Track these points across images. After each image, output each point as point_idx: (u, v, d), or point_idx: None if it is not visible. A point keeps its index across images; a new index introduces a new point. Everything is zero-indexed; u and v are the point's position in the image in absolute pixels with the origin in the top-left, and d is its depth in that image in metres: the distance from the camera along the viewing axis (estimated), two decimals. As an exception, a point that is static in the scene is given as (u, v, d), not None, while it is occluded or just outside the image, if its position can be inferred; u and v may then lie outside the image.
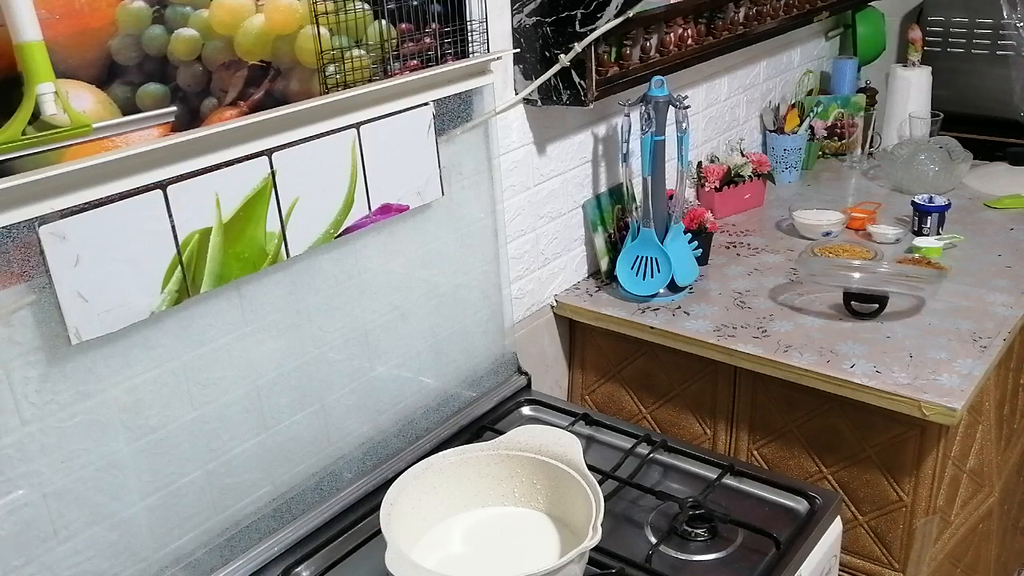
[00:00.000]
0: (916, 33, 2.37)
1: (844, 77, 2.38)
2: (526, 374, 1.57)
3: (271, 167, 1.08)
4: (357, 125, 1.17)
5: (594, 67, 1.45)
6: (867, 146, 2.40)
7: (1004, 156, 2.24)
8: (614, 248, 1.75)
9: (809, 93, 2.42)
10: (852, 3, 2.29)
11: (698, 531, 1.18)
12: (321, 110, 1.11)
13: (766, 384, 1.52)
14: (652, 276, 1.64)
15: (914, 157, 2.10)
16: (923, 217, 1.85)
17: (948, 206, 1.85)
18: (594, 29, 1.41)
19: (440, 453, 1.16)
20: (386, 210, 1.25)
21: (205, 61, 0.99)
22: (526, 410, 1.50)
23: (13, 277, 0.89)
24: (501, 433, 1.20)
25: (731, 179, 2.02)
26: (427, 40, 1.24)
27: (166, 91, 0.96)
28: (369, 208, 1.22)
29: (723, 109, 2.13)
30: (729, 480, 1.28)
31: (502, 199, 1.49)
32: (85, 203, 0.91)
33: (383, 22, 1.17)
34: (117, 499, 1.02)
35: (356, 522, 1.24)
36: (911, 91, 2.34)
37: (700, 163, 2.06)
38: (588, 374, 1.75)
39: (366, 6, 1.14)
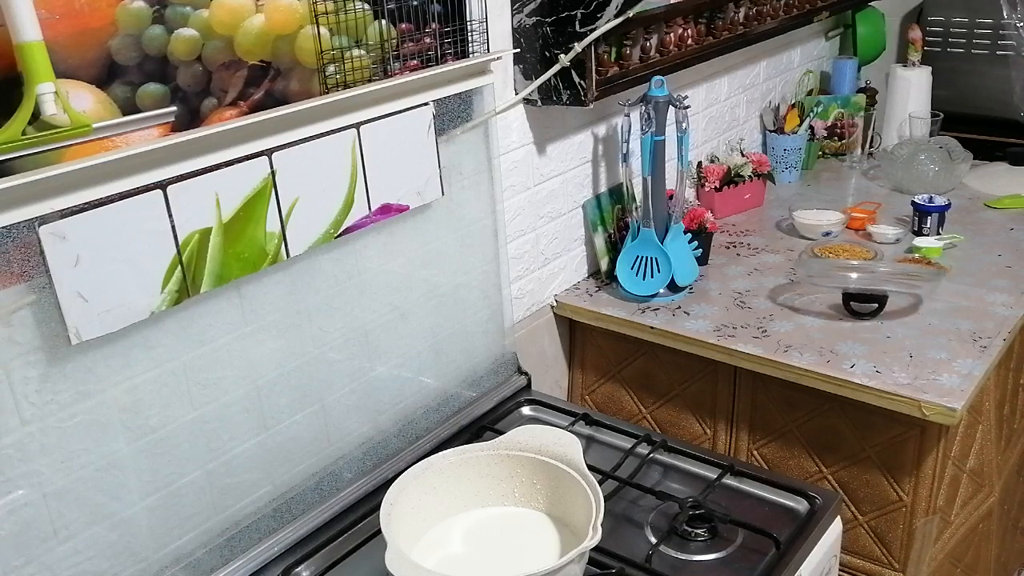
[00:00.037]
0: (916, 33, 2.37)
1: (844, 77, 2.38)
2: (526, 374, 1.57)
3: (271, 167, 1.08)
4: (357, 125, 1.17)
5: (594, 67, 1.45)
6: (867, 146, 2.40)
7: (1004, 156, 2.24)
8: (614, 248, 1.75)
9: (809, 93, 2.42)
10: (852, 3, 2.29)
11: (698, 531, 1.18)
12: (321, 110, 1.11)
13: (766, 384, 1.52)
14: (652, 276, 1.64)
15: (914, 157, 2.10)
16: (923, 217, 1.85)
17: (948, 206, 1.85)
18: (594, 29, 1.41)
19: (440, 453, 1.16)
20: (386, 210, 1.25)
21: (205, 61, 0.99)
22: (526, 410, 1.50)
23: (13, 277, 0.89)
24: (501, 433, 1.20)
25: (731, 179, 2.02)
26: (427, 40, 1.24)
27: (166, 91, 0.96)
28: (369, 208, 1.22)
29: (723, 109, 2.13)
30: (729, 480, 1.28)
31: (502, 199, 1.49)
32: (85, 203, 0.91)
33: (383, 22, 1.17)
34: (117, 499, 1.02)
35: (356, 522, 1.24)
36: (911, 91, 2.34)
37: (700, 163, 2.06)
38: (588, 374, 1.75)
39: (366, 6, 1.14)
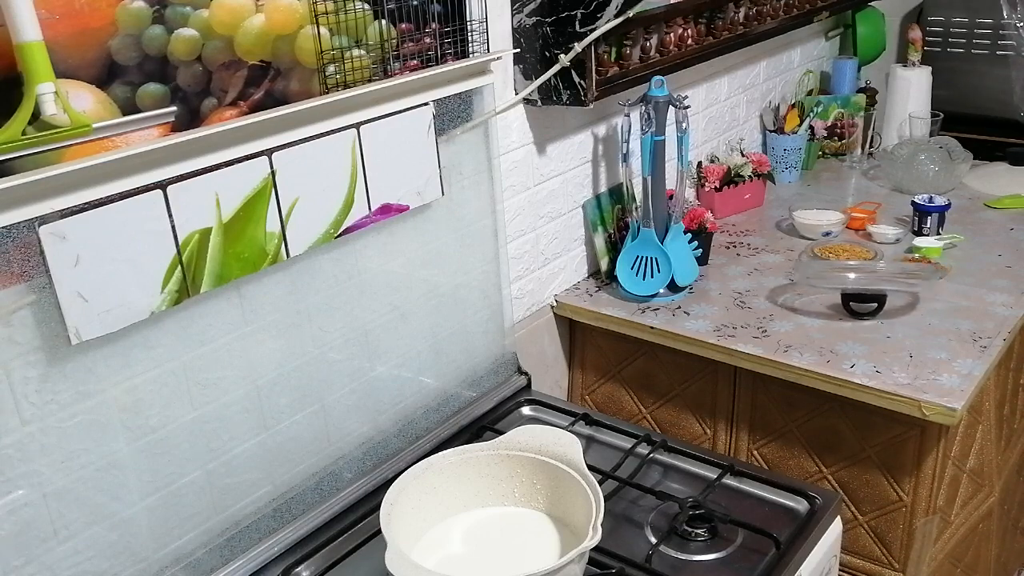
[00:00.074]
0: (916, 33, 2.37)
1: (844, 77, 2.38)
2: (526, 374, 1.57)
3: (271, 167, 1.08)
4: (357, 125, 1.17)
5: (594, 67, 1.45)
6: (867, 146, 2.40)
7: (1004, 156, 2.24)
8: (614, 248, 1.75)
9: (809, 93, 2.42)
10: (852, 3, 2.29)
11: (698, 531, 1.18)
12: (321, 110, 1.11)
13: (766, 384, 1.52)
14: (652, 276, 1.64)
15: (914, 157, 2.10)
16: (923, 217, 1.85)
17: (948, 206, 1.85)
18: (594, 29, 1.41)
19: (440, 453, 1.16)
20: (386, 210, 1.25)
21: (205, 61, 0.99)
22: (526, 410, 1.50)
23: (13, 277, 0.89)
24: (501, 433, 1.20)
25: (731, 179, 2.02)
26: (427, 40, 1.24)
27: (166, 91, 0.96)
28: (369, 208, 1.22)
29: (723, 109, 2.13)
30: (729, 480, 1.28)
31: (502, 199, 1.49)
32: (85, 203, 0.91)
33: (383, 22, 1.17)
34: (117, 499, 1.02)
35: (356, 522, 1.24)
36: (911, 91, 2.34)
37: (700, 163, 2.06)
38: (588, 374, 1.75)
39: (366, 6, 1.14)
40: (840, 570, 1.42)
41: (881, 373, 1.39)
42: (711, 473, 1.30)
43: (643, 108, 1.58)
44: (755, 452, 1.58)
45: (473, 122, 1.37)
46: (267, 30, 1.04)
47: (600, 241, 1.74)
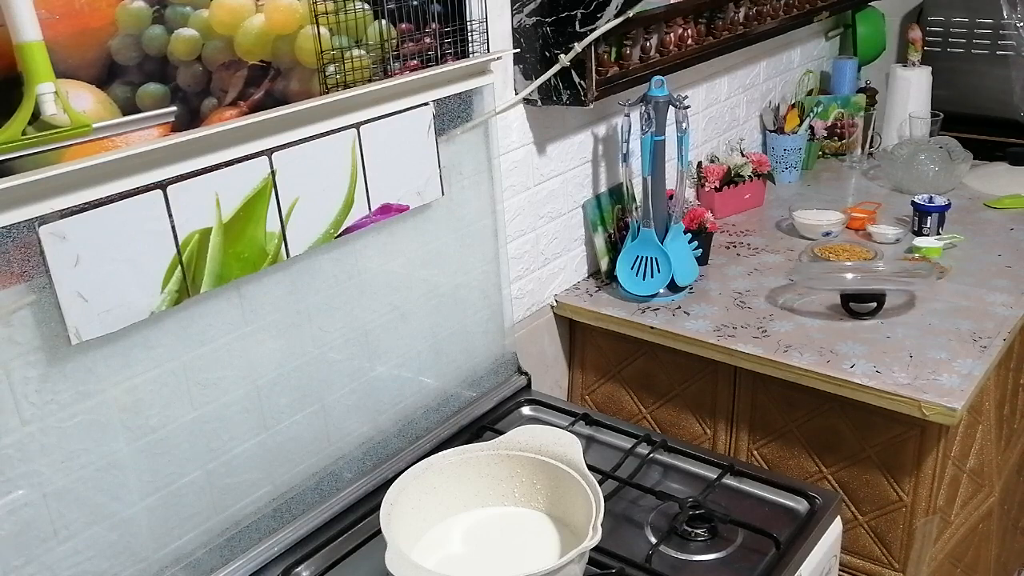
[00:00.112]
0: (916, 33, 2.37)
1: (844, 77, 2.38)
2: (526, 374, 1.57)
3: (271, 167, 1.08)
4: (357, 125, 1.17)
5: (594, 67, 1.45)
6: (867, 146, 2.40)
7: (1004, 156, 2.24)
8: (614, 248, 1.75)
9: (809, 93, 2.42)
10: (852, 3, 2.29)
11: (698, 531, 1.18)
12: (321, 110, 1.11)
13: (766, 384, 1.52)
14: (652, 276, 1.64)
15: (914, 157, 2.10)
16: (923, 217, 1.85)
17: (948, 206, 1.85)
18: (594, 29, 1.41)
19: (440, 453, 1.16)
20: (386, 210, 1.25)
21: (205, 61, 0.99)
22: (526, 410, 1.50)
23: (13, 277, 0.89)
24: (501, 433, 1.20)
25: (731, 179, 2.02)
26: (427, 40, 1.24)
27: (166, 91, 0.96)
28: (369, 208, 1.22)
29: (723, 109, 2.13)
30: (729, 480, 1.28)
31: (502, 199, 1.49)
32: (85, 203, 0.91)
33: (383, 22, 1.17)
34: (117, 499, 1.02)
35: (356, 522, 1.24)
36: (911, 91, 2.34)
37: (700, 163, 2.06)
38: (588, 374, 1.75)
39: (366, 6, 1.14)
40: (840, 570, 1.42)
41: (881, 373, 1.39)
42: (711, 473, 1.30)
43: (643, 108, 1.58)
44: (755, 452, 1.58)
45: (473, 122, 1.37)
46: (267, 30, 1.04)
47: (600, 241, 1.74)
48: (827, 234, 1.89)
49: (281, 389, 1.19)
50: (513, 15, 1.45)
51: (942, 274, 1.67)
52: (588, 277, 1.79)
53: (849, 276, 1.58)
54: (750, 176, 2.03)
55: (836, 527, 1.24)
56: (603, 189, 1.77)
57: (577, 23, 1.41)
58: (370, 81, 1.17)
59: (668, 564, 1.14)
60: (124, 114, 0.92)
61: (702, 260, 1.77)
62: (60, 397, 0.95)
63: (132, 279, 0.97)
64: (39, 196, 0.86)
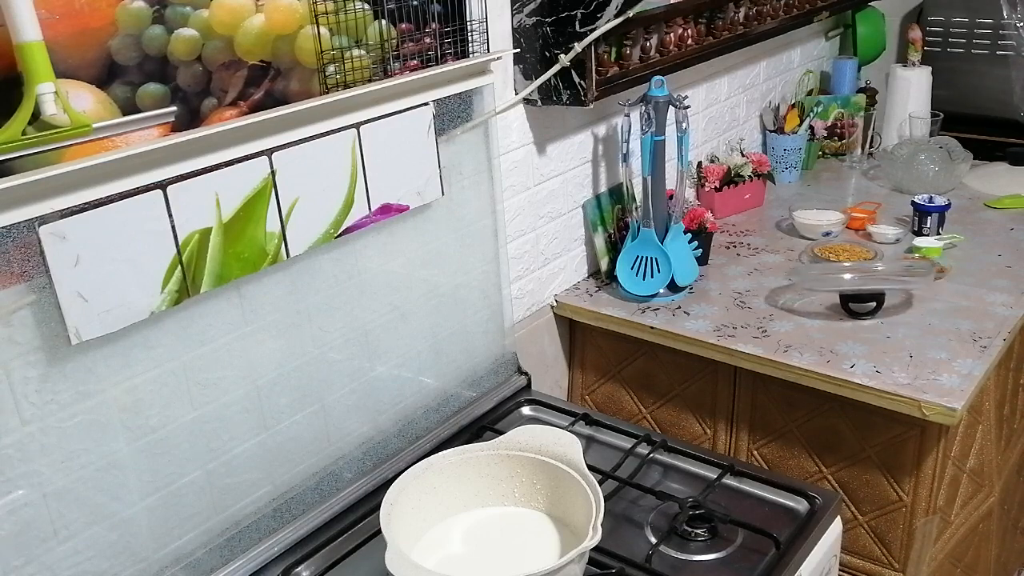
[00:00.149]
0: (916, 33, 2.37)
1: (844, 77, 2.38)
2: (526, 374, 1.57)
3: (271, 167, 1.08)
4: (357, 125, 1.17)
5: (594, 67, 1.45)
6: (867, 146, 2.40)
7: (1004, 156, 2.24)
8: (614, 248, 1.75)
9: (809, 93, 2.42)
10: (852, 3, 2.29)
11: (698, 531, 1.18)
12: (321, 110, 1.11)
13: (766, 384, 1.52)
14: (652, 276, 1.64)
15: (914, 157, 2.10)
16: (923, 217, 1.85)
17: (948, 206, 1.85)
18: (594, 29, 1.41)
19: (440, 453, 1.16)
20: (386, 210, 1.25)
21: (205, 61, 0.99)
22: (526, 410, 1.50)
23: (13, 277, 0.89)
24: (501, 433, 1.20)
25: (731, 179, 2.02)
26: (427, 40, 1.24)
27: (166, 91, 0.96)
28: (369, 208, 1.22)
29: (723, 109, 2.13)
30: (729, 480, 1.28)
31: (502, 199, 1.49)
32: (85, 203, 0.91)
33: (383, 22, 1.17)
34: (117, 499, 1.02)
35: (356, 522, 1.24)
36: (911, 91, 2.34)
37: (700, 163, 2.06)
38: (588, 374, 1.75)
39: (366, 6, 1.14)
40: (840, 570, 1.42)
41: (881, 373, 1.39)
42: (711, 473, 1.30)
43: (643, 108, 1.58)
44: (755, 452, 1.58)
45: (473, 122, 1.37)
46: (267, 30, 1.04)
47: (600, 241, 1.74)
48: (827, 234, 1.89)
49: (281, 389, 1.19)
50: (513, 15, 1.45)
51: (941, 274, 1.67)
52: (588, 277, 1.79)
53: (847, 277, 1.58)
54: (750, 176, 2.03)
55: (836, 527, 1.24)
56: (603, 189, 1.77)
57: (577, 23, 1.41)
58: (370, 81, 1.17)
59: (668, 564, 1.14)
60: (124, 114, 0.92)
61: (702, 260, 1.77)
62: (60, 397, 0.95)
63: (132, 279, 0.97)
64: (39, 196, 0.86)
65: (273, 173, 1.08)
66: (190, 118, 0.99)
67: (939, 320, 1.53)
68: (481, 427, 1.42)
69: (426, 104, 1.26)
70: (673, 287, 1.66)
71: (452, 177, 1.36)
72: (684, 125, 1.60)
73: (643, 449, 1.35)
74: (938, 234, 1.84)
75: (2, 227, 0.85)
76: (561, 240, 1.70)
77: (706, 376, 1.59)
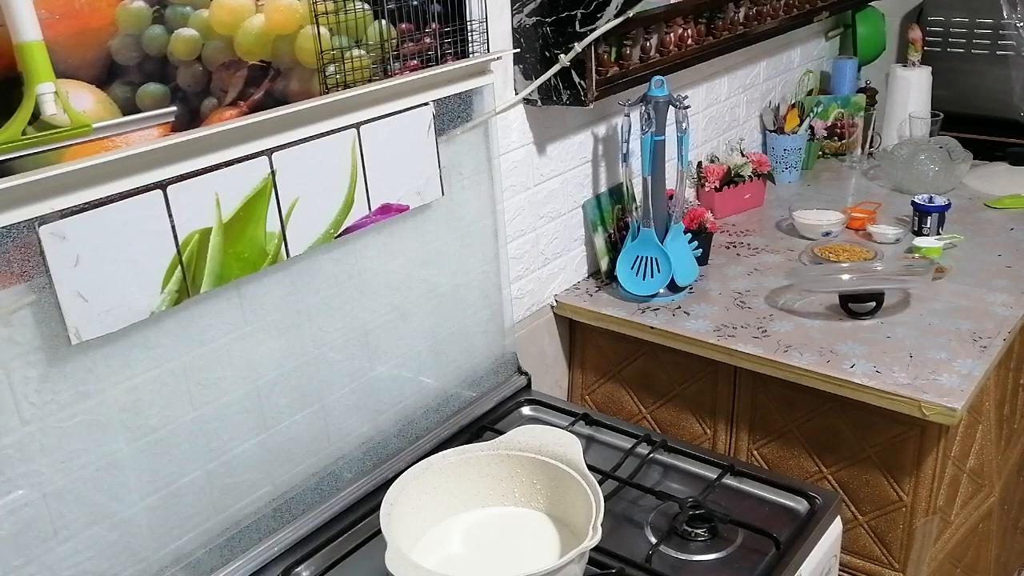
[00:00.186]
0: (916, 33, 2.37)
1: (844, 77, 2.38)
2: (526, 374, 1.57)
3: (271, 167, 1.08)
4: (357, 125, 1.17)
5: (594, 67, 1.45)
6: (867, 146, 2.40)
7: (1004, 156, 2.24)
8: (614, 248, 1.75)
9: (809, 93, 2.42)
10: (852, 3, 2.29)
11: (698, 531, 1.18)
12: (321, 110, 1.11)
13: (766, 384, 1.52)
14: (652, 276, 1.64)
15: (914, 157, 2.10)
16: (923, 217, 1.85)
17: (948, 206, 1.85)
18: (594, 29, 1.41)
19: (440, 453, 1.16)
20: (386, 210, 1.25)
21: (205, 61, 0.99)
22: (526, 410, 1.50)
23: (13, 277, 0.89)
24: (501, 433, 1.20)
25: (731, 179, 2.02)
26: (427, 40, 1.24)
27: (166, 91, 0.96)
28: (369, 208, 1.22)
29: (723, 109, 2.13)
30: (729, 480, 1.28)
31: (502, 199, 1.49)
32: (85, 203, 0.91)
33: (383, 22, 1.17)
34: (117, 499, 1.02)
35: (356, 522, 1.24)
36: (911, 91, 2.34)
37: (700, 163, 2.06)
38: (588, 374, 1.75)
39: (366, 6, 1.14)
40: (840, 570, 1.42)
41: (881, 373, 1.39)
42: (711, 473, 1.30)
43: (643, 108, 1.58)
44: (755, 452, 1.58)
45: (473, 122, 1.37)
46: (267, 30, 1.04)
47: (600, 241, 1.74)
48: (827, 234, 1.89)
49: (281, 389, 1.19)
50: (513, 15, 1.45)
51: (941, 274, 1.67)
52: (588, 277, 1.79)
53: (846, 277, 1.58)
54: (750, 176, 2.03)
55: (836, 527, 1.24)
56: (603, 189, 1.77)
57: (577, 23, 1.41)
58: (370, 81, 1.17)
59: (668, 564, 1.14)
60: (124, 114, 0.92)
61: (702, 260, 1.77)
62: (60, 397, 0.95)
63: (132, 279, 0.97)
64: (39, 196, 0.86)
65: (273, 173, 1.08)
66: (190, 118, 0.99)
67: (939, 320, 1.53)
68: (481, 427, 1.42)
69: (426, 104, 1.26)
70: (673, 287, 1.66)
71: (452, 177, 1.36)
72: (684, 125, 1.60)
73: (643, 449, 1.35)
74: (938, 234, 1.84)
75: (2, 227, 0.85)
76: (561, 240, 1.70)
77: (706, 376, 1.59)
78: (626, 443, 1.37)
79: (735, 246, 1.88)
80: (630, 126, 1.61)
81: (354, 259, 1.24)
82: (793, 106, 2.30)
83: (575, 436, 1.16)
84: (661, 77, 1.58)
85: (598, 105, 1.52)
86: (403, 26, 1.20)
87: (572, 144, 1.67)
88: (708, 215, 1.76)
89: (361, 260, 1.25)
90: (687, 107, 1.60)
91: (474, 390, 1.49)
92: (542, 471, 1.15)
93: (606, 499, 1.07)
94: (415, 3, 1.20)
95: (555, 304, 1.71)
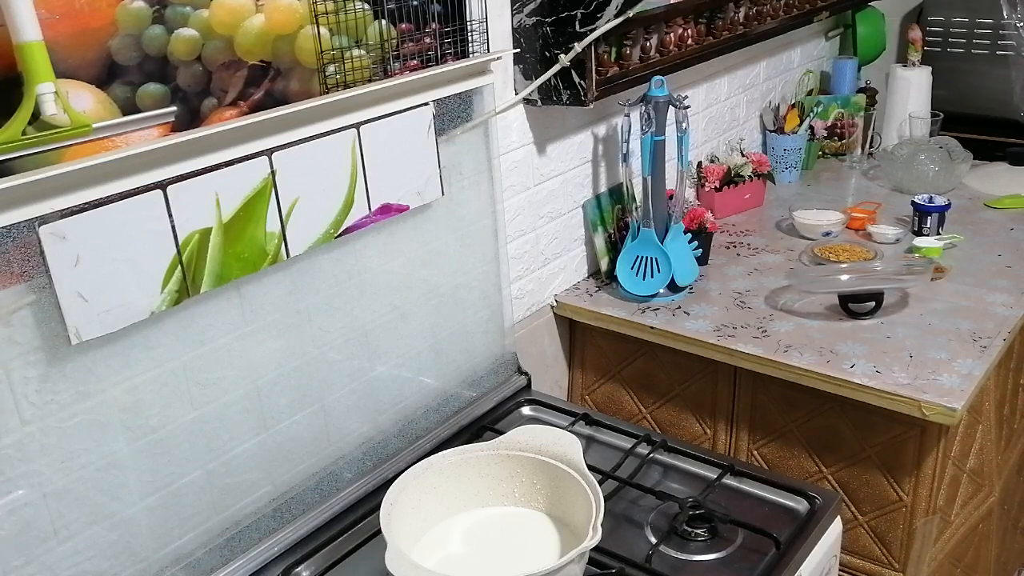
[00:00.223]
0: (916, 33, 2.37)
1: (844, 77, 2.38)
2: (526, 374, 1.57)
3: (271, 167, 1.08)
4: (357, 125, 1.17)
5: (594, 67, 1.45)
6: (867, 146, 2.40)
7: (1004, 156, 2.24)
8: (614, 248, 1.75)
9: (809, 93, 2.42)
10: (852, 3, 2.29)
11: (698, 531, 1.18)
12: (321, 110, 1.11)
13: (766, 384, 1.52)
14: (652, 276, 1.64)
15: (914, 157, 2.10)
16: (923, 217, 1.85)
17: (948, 206, 1.85)
18: (594, 29, 1.41)
19: (440, 453, 1.16)
20: (386, 210, 1.25)
21: (205, 61, 0.99)
22: (526, 410, 1.50)
23: (13, 277, 0.89)
24: (501, 433, 1.20)
25: (731, 179, 2.02)
26: (427, 40, 1.24)
27: (166, 91, 0.96)
28: (369, 208, 1.22)
29: (723, 109, 2.13)
30: (729, 480, 1.28)
31: (502, 199, 1.49)
32: (85, 203, 0.91)
33: (383, 22, 1.17)
34: (117, 499, 1.02)
35: (356, 522, 1.24)
36: (911, 91, 2.34)
37: (700, 163, 2.06)
38: (588, 374, 1.75)
39: (366, 6, 1.14)
40: (840, 570, 1.42)
41: (881, 373, 1.39)
42: (711, 473, 1.30)
43: (643, 108, 1.58)
44: (755, 452, 1.58)
45: (473, 122, 1.37)
46: (267, 30, 1.04)
47: (600, 241, 1.74)
48: (827, 234, 1.89)
49: (281, 389, 1.19)
50: (513, 15, 1.45)
51: (940, 274, 1.67)
52: (588, 277, 1.79)
53: (845, 277, 1.58)
54: (750, 176, 2.03)
55: (836, 527, 1.24)
56: (603, 189, 1.77)
57: (577, 23, 1.41)
58: (370, 81, 1.17)
59: (668, 564, 1.14)
60: (124, 114, 0.92)
61: (702, 260, 1.77)
62: (60, 397, 0.95)
63: (132, 279, 0.97)
64: (39, 196, 0.86)
65: (273, 173, 1.08)
66: (190, 118, 0.99)
67: (939, 320, 1.53)
68: (481, 427, 1.42)
69: (426, 104, 1.26)
70: (673, 287, 1.66)
71: (452, 177, 1.36)
72: (684, 125, 1.60)
73: (643, 449, 1.35)
74: (938, 234, 1.84)
75: (2, 227, 0.85)
76: (561, 240, 1.70)
77: (706, 376, 1.59)
78: (626, 443, 1.37)
79: (735, 246, 1.88)
80: (630, 126, 1.61)
81: (354, 259, 1.24)
82: (793, 106, 2.30)
83: (575, 436, 1.16)
84: (661, 77, 1.58)
85: (598, 105, 1.52)
86: (403, 26, 1.20)
87: (572, 144, 1.67)
88: (708, 215, 1.76)
89: (361, 260, 1.25)
90: (687, 107, 1.60)
91: (474, 390, 1.49)
92: (542, 471, 1.15)
93: (606, 499, 1.07)
94: (415, 3, 1.20)
95: (555, 304, 1.71)
